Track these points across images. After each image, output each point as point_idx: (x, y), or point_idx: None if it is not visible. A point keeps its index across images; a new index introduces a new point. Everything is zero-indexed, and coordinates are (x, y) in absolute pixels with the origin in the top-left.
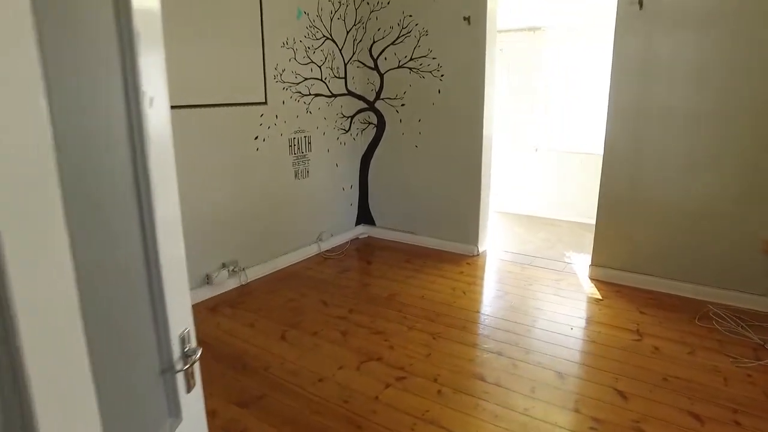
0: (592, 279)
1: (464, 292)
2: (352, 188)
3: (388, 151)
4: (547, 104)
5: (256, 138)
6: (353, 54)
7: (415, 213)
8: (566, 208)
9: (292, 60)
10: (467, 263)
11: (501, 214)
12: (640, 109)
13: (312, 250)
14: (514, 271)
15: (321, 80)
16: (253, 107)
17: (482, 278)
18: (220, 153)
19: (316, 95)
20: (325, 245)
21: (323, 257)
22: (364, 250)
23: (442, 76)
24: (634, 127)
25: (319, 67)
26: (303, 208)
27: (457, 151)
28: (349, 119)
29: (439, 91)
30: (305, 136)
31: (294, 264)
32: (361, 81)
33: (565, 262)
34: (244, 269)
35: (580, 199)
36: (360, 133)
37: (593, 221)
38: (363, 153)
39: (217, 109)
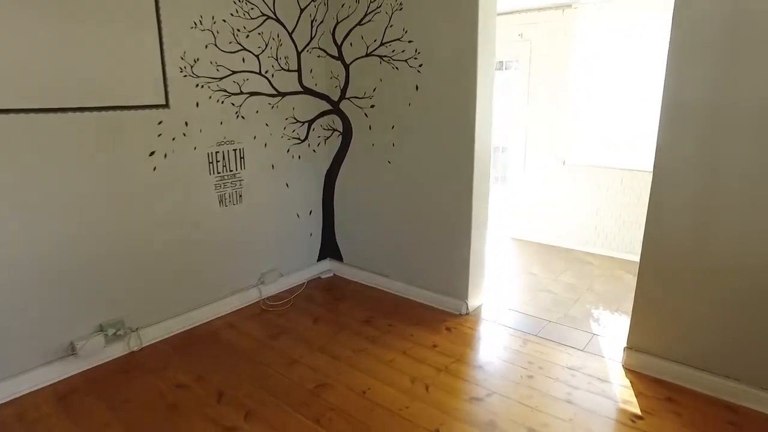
0: (628, 369)
1: (427, 388)
2: (312, 214)
3: (356, 168)
4: (579, 104)
5: (152, 154)
6: (311, 38)
7: (389, 250)
8: (602, 240)
9: (211, 46)
10: (448, 329)
11: (517, 242)
12: (716, 106)
13: (250, 297)
14: (513, 346)
15: (260, 74)
16: (145, 112)
17: (462, 360)
18: (85, 175)
19: (252, 94)
20: (271, 289)
21: (262, 307)
22: (320, 298)
23: (420, 66)
24: (704, 135)
25: (257, 56)
26: (234, 244)
27: (440, 171)
28: (306, 125)
29: (417, 88)
30: (235, 149)
31: (216, 318)
32: (323, 75)
33: (591, 332)
34: (136, 330)
35: (620, 229)
36: (323, 142)
37: (638, 258)
38: (327, 168)
39: (79, 114)
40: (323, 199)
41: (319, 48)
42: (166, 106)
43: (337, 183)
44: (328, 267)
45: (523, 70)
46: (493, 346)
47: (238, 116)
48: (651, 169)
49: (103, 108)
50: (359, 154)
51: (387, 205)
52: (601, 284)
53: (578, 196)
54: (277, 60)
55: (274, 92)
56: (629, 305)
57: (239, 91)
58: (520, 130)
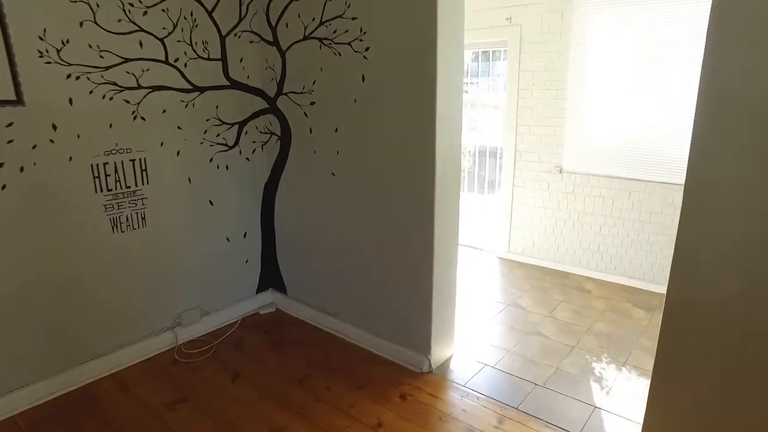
0: None
1: None
2: (248, 237)
3: (297, 181)
4: (579, 100)
5: (0, 166)
6: (240, 19)
7: (337, 285)
8: (605, 263)
9: (89, 24)
10: (402, 396)
11: (506, 263)
12: None
13: (161, 344)
14: (484, 427)
15: (167, 63)
16: None
17: None
18: None
19: (156, 89)
20: (192, 331)
21: (176, 357)
22: (252, 343)
23: (366, 50)
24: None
25: (161, 40)
26: (135, 278)
27: (393, 187)
28: (236, 128)
29: (364, 78)
30: (133, 160)
31: (108, 375)
32: (256, 65)
33: (591, 402)
34: None
35: (627, 251)
36: (260, 148)
37: (655, 287)
38: (266, 180)
39: None
40: (262, 217)
41: (251, 31)
42: (19, 102)
43: (277, 198)
44: (270, 299)
45: (513, 60)
46: (458, 429)
47: (135, 117)
48: (665, 180)
49: None
50: (300, 163)
51: (332, 229)
52: (605, 323)
53: (577, 211)
54: (191, 45)
55: (189, 87)
56: (639, 355)
57: (136, 85)
58: (509, 131)
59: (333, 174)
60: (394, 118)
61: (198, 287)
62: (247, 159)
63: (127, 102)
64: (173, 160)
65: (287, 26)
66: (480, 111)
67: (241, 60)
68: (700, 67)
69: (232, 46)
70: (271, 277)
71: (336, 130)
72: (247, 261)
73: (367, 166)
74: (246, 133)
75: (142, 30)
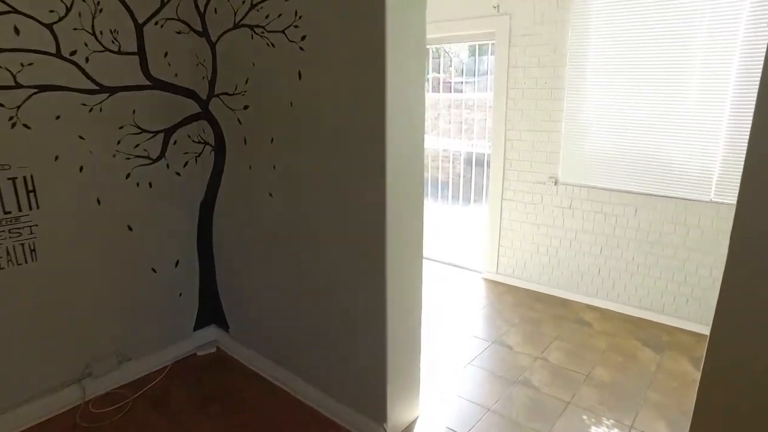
0: None
1: None
2: (181, 266)
3: (234, 201)
4: (578, 101)
5: None
6: (163, 4)
7: (282, 327)
8: (607, 288)
9: None
10: None
11: (493, 286)
12: None
13: (65, 401)
14: None
15: (60, 57)
16: None
17: None
18: None
19: (44, 89)
20: (107, 382)
21: (77, 420)
22: (178, 398)
23: (303, 39)
24: None
25: (48, 26)
26: (24, 323)
27: (337, 209)
28: (161, 137)
29: (301, 76)
30: (13, 178)
31: None
32: (185, 60)
33: None
34: None
35: (633, 276)
36: (194, 161)
37: (664, 319)
38: (202, 199)
39: None
40: (199, 242)
41: (178, 19)
42: None
43: (214, 221)
44: (212, 337)
45: (501, 55)
46: None
47: (15, 124)
48: (678, 195)
49: None
50: (235, 181)
51: (273, 261)
52: (607, 368)
53: (575, 229)
54: (94, 35)
55: (93, 87)
56: (648, 415)
57: (13, 84)
58: (497, 137)
59: (270, 194)
60: (335, 125)
61: (115, 328)
62: (178, 174)
63: (1, 105)
64: (74, 178)
65: (216, 12)
66: (477, 113)
67: (165, 54)
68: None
69: (152, 38)
70: (211, 312)
71: (272, 141)
72: (180, 294)
73: (306, 184)
74: (175, 143)
75: (16, 11)
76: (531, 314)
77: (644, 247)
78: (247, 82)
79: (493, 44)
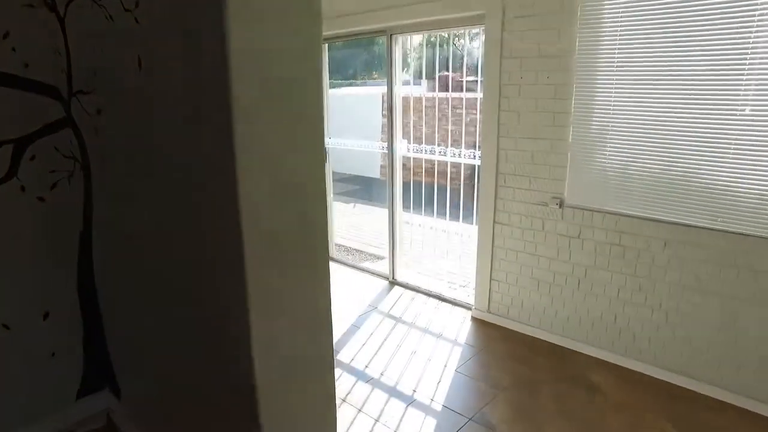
0: None
1: None
2: (53, 318)
3: (106, 236)
4: (589, 100)
5: None
6: None
7: (175, 397)
8: (625, 341)
9: None
10: None
11: (482, 328)
12: None
13: None
14: None
15: None
16: None
17: None
18: None
19: None
20: None
21: None
22: None
23: (137, 6)
24: None
25: None
26: None
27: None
28: (10, 149)
29: (141, 63)
30: None
31: None
32: (38, 44)
33: None
34: None
35: (659, 328)
36: (67, 180)
37: (703, 387)
38: (81, 229)
39: None
40: (80, 286)
41: None
42: None
43: (94, 258)
44: (103, 406)
45: (492, 42)
46: None
47: None
48: (726, 228)
49: None
50: (102, 209)
51: (155, 311)
52: None
53: (584, 264)
54: None
55: None
56: None
57: None
58: (488, 145)
59: (137, 226)
60: (173, 138)
61: None
62: (41, 199)
63: None
64: None
65: None
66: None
67: (6, 35)
68: None
69: None
70: (102, 374)
71: (129, 159)
72: (54, 354)
73: (158, 222)
74: (33, 158)
75: None
76: (526, 373)
77: (676, 293)
78: (96, 74)
79: (482, 30)
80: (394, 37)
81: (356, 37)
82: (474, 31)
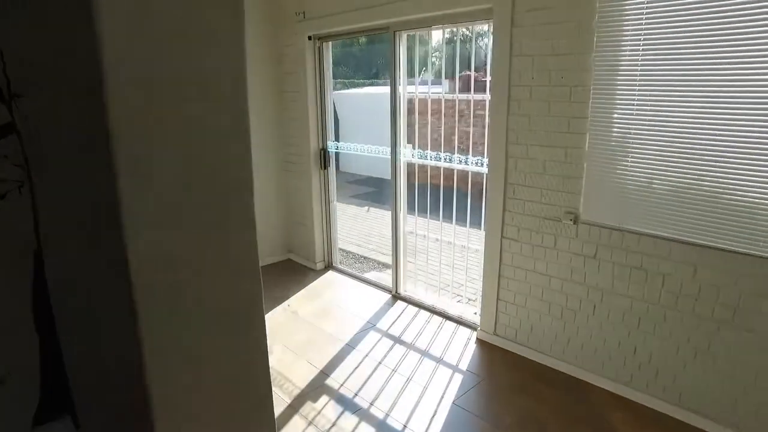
0: None
1: None
2: (1, 340)
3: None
4: (608, 105)
5: None
6: None
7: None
8: (647, 376)
9: None
10: None
11: (488, 352)
12: None
13: None
14: None
15: None
16: None
17: None
18: None
19: None
20: None
21: None
22: None
23: None
24: None
25: None
26: None
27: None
28: None
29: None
30: None
31: None
32: None
33: None
34: None
35: (687, 365)
36: (18, 191)
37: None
38: (35, 247)
39: None
40: (34, 302)
41: None
42: None
43: (47, 276)
44: None
45: (501, 39)
46: None
47: None
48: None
49: None
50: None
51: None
52: None
53: (601, 288)
54: None
55: None
56: None
57: None
58: (496, 152)
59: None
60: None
61: None
62: None
63: None
64: None
65: None
66: None
67: None
68: None
69: None
70: (61, 400)
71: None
72: (3, 379)
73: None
74: None
75: None
76: (533, 408)
77: (707, 326)
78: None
79: (490, 25)
80: (397, 33)
81: (357, 34)
82: (484, 27)
